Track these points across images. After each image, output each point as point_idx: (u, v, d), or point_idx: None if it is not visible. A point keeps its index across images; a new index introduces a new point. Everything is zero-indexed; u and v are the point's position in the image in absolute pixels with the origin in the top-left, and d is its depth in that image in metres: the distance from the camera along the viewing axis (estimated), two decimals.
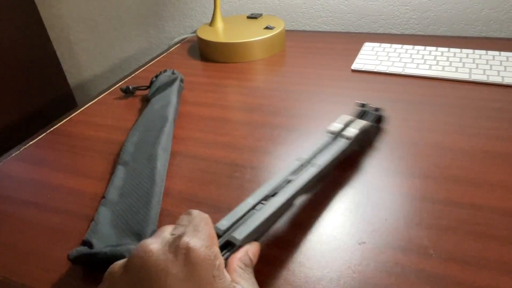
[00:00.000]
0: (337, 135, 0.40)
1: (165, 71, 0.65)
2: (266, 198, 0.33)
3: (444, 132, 0.49)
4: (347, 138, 0.39)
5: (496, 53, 0.67)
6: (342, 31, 0.93)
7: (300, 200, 0.40)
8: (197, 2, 1.02)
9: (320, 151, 0.38)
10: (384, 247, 0.34)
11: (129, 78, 0.73)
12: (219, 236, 0.28)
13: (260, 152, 0.48)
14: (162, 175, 0.43)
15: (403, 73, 0.64)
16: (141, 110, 0.61)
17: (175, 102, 0.57)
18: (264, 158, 0.47)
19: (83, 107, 0.64)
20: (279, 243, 0.36)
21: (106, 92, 0.68)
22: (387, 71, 0.65)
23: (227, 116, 0.57)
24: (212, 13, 1.00)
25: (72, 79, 1.31)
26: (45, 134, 0.57)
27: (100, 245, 0.34)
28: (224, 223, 0.29)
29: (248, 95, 0.63)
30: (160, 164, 0.44)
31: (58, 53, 1.24)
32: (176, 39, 0.93)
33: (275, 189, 0.33)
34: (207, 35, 0.79)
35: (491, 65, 0.64)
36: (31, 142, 0.55)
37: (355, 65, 0.68)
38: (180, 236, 0.24)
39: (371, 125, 0.43)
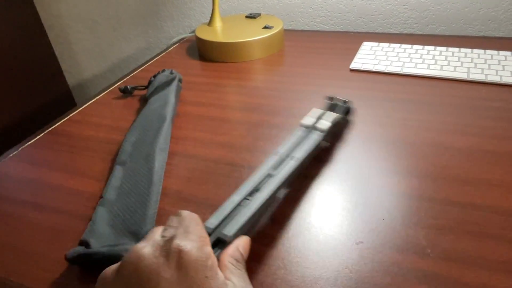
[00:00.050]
0: (311, 128, 0.41)
1: (163, 71, 0.65)
2: (250, 193, 0.33)
3: (442, 132, 0.49)
4: (321, 130, 0.40)
5: (495, 52, 0.67)
6: (341, 30, 0.92)
7: (297, 200, 0.40)
8: (196, 2, 1.02)
9: (297, 144, 0.39)
10: (381, 246, 0.34)
11: (127, 78, 0.73)
12: (209, 235, 0.29)
13: (259, 152, 0.48)
14: (159, 175, 0.43)
15: (401, 72, 0.64)
16: (139, 110, 0.61)
17: (173, 102, 0.57)
18: (263, 158, 0.47)
19: (81, 107, 0.64)
20: (277, 243, 0.36)
21: (105, 92, 0.68)
22: (386, 71, 0.65)
23: (226, 115, 0.57)
24: (210, 12, 1.00)
25: (71, 79, 1.31)
26: (43, 134, 0.57)
27: (97, 245, 0.34)
28: (212, 221, 0.30)
29: (246, 94, 0.63)
30: (158, 164, 0.44)
31: (57, 53, 1.24)
32: (175, 39, 0.93)
33: (258, 184, 0.34)
34: (205, 34, 0.79)
35: (489, 64, 0.64)
36: (29, 142, 0.55)
37: (354, 65, 0.68)
38: (171, 239, 0.24)
39: (341, 117, 0.44)
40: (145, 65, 0.78)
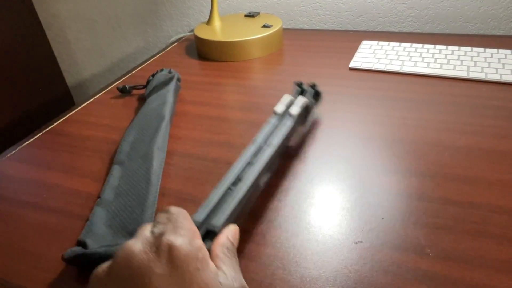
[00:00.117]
0: (283, 114, 0.43)
1: (161, 70, 0.65)
2: (234, 183, 0.34)
3: (441, 130, 0.49)
4: (292, 116, 0.43)
5: (494, 50, 0.67)
6: (340, 29, 0.92)
7: (297, 199, 0.40)
8: (195, 1, 1.02)
9: (272, 131, 0.41)
10: (380, 246, 0.34)
11: (126, 77, 0.73)
12: (198, 228, 0.29)
13: None
14: (158, 174, 0.43)
15: (401, 71, 0.64)
16: (137, 109, 0.61)
17: (172, 101, 0.56)
18: None
19: (79, 106, 0.63)
20: (275, 243, 0.35)
21: (103, 92, 0.68)
22: (385, 69, 0.65)
23: (224, 115, 0.57)
24: (209, 11, 0.99)
25: (70, 79, 1.31)
26: (41, 133, 0.56)
27: (94, 245, 0.34)
28: (200, 214, 0.30)
29: (245, 93, 0.63)
30: (156, 163, 0.44)
31: (56, 53, 1.24)
32: (174, 38, 0.93)
33: (240, 173, 0.35)
34: (204, 33, 0.78)
35: (489, 63, 0.63)
36: (27, 142, 0.55)
37: (353, 64, 0.68)
38: (160, 235, 0.25)
39: (310, 101, 0.47)
40: (144, 64, 0.78)
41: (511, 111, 0.52)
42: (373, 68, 0.66)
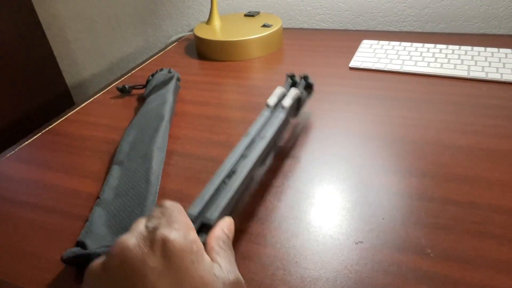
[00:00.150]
0: (275, 107, 0.44)
1: (161, 70, 0.65)
2: (227, 176, 0.34)
3: (442, 130, 0.49)
4: (284, 108, 0.43)
5: (495, 50, 0.67)
6: (340, 28, 0.92)
7: (297, 199, 0.40)
8: (194, 0, 1.02)
9: (265, 124, 0.41)
10: (381, 246, 0.34)
11: (126, 77, 0.73)
12: (193, 221, 0.29)
13: None
14: (157, 174, 0.43)
15: (401, 70, 0.64)
16: (137, 109, 0.60)
17: (171, 101, 0.56)
18: None
19: (79, 106, 0.63)
20: (275, 243, 0.35)
21: (103, 91, 0.67)
22: (385, 69, 0.65)
23: (224, 114, 0.57)
24: (209, 11, 0.99)
25: (69, 79, 1.31)
26: (40, 133, 0.56)
27: (94, 246, 0.34)
28: (194, 208, 0.30)
29: (245, 93, 0.63)
30: (156, 163, 0.44)
31: (56, 52, 1.24)
32: (173, 38, 0.93)
33: (233, 166, 0.35)
34: (204, 33, 0.78)
35: (490, 62, 0.63)
36: (26, 142, 0.55)
37: (353, 63, 0.68)
38: (155, 229, 0.25)
39: (301, 92, 0.47)
40: (143, 64, 0.78)
41: None
42: (373, 68, 0.66)
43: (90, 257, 0.33)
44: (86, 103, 0.64)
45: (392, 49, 0.71)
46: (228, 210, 0.32)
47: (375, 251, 0.34)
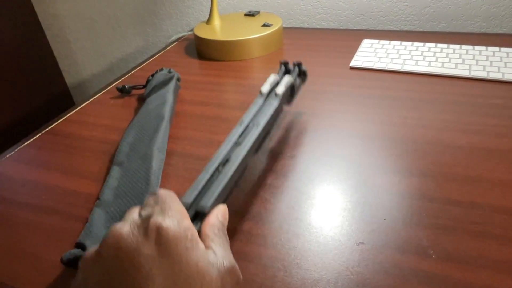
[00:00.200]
0: (268, 94, 0.43)
1: (161, 69, 0.64)
2: (221, 164, 0.34)
3: (443, 130, 0.49)
4: (277, 95, 0.43)
5: (496, 49, 0.66)
6: (341, 28, 0.92)
7: (297, 200, 0.40)
8: (194, 0, 1.02)
9: (258, 111, 0.41)
10: (382, 247, 0.34)
11: (125, 77, 0.73)
12: (187, 209, 0.29)
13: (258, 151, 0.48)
14: (157, 175, 0.43)
15: (402, 70, 0.64)
16: (137, 110, 0.60)
17: (171, 101, 0.56)
18: (262, 158, 0.47)
19: (79, 107, 0.63)
20: (276, 244, 0.35)
21: (102, 92, 0.67)
22: (386, 68, 0.65)
23: (224, 115, 0.57)
24: (209, 11, 0.99)
25: (69, 79, 1.31)
26: (40, 134, 0.56)
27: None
28: (188, 196, 0.30)
29: (245, 93, 0.62)
30: (155, 164, 0.44)
31: (55, 53, 1.23)
32: (173, 38, 0.93)
33: (227, 154, 0.35)
34: (204, 33, 0.78)
35: (491, 61, 0.63)
36: (26, 143, 0.54)
37: (354, 63, 0.68)
38: (148, 217, 0.24)
39: (295, 79, 0.47)
40: (143, 64, 0.78)
41: None
42: (374, 67, 0.65)
43: None
44: (86, 103, 0.64)
45: (393, 48, 0.71)
46: (222, 198, 0.32)
47: (376, 252, 0.33)
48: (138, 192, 0.40)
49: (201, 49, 0.79)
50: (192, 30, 0.88)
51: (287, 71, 0.48)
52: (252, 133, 0.38)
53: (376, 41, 0.75)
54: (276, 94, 0.43)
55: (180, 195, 0.42)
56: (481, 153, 0.44)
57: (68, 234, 0.38)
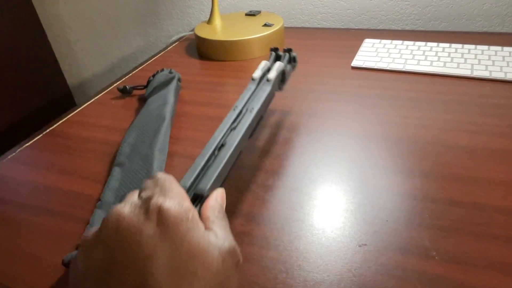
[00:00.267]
0: (261, 80, 0.44)
1: (162, 70, 0.64)
2: (217, 149, 0.35)
3: (445, 130, 0.48)
4: (269, 81, 0.43)
5: (499, 48, 0.66)
6: (342, 27, 0.91)
7: (299, 201, 0.39)
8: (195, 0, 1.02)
9: (251, 97, 0.42)
10: (385, 249, 0.34)
11: (126, 77, 0.72)
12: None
13: (258, 152, 0.48)
14: None
15: (404, 69, 0.64)
16: (138, 110, 0.60)
17: (172, 102, 0.56)
18: (263, 159, 0.46)
19: (79, 107, 0.63)
20: (278, 246, 0.35)
21: (103, 92, 0.67)
22: (388, 68, 0.64)
23: (225, 115, 0.56)
24: (210, 10, 0.99)
25: (70, 79, 1.31)
26: (41, 135, 0.56)
27: None
28: (186, 180, 0.31)
29: None
30: (157, 165, 0.44)
31: (56, 53, 1.23)
32: (174, 38, 0.92)
33: (223, 139, 0.36)
34: (205, 33, 0.78)
35: (493, 61, 0.63)
36: (27, 144, 0.54)
37: (355, 62, 0.67)
38: (149, 198, 0.24)
39: (285, 65, 0.48)
40: (144, 65, 0.78)
41: None
42: (375, 67, 0.65)
43: None
44: (86, 104, 0.64)
45: (395, 48, 0.71)
46: (220, 182, 0.32)
47: (379, 253, 0.33)
48: None
49: (202, 49, 0.79)
50: (193, 30, 0.88)
51: (278, 58, 0.49)
52: (247, 118, 0.38)
53: (377, 40, 0.74)
54: (268, 80, 0.44)
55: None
56: (484, 153, 0.44)
57: (69, 236, 0.38)
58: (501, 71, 0.60)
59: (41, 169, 0.48)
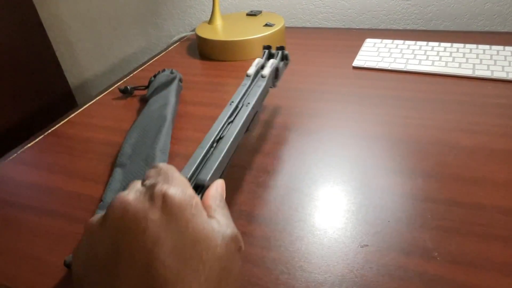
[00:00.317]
0: (255, 76, 0.46)
1: (163, 70, 0.64)
2: (216, 141, 0.36)
3: (447, 130, 0.48)
4: (264, 77, 0.45)
5: (500, 47, 0.66)
6: (343, 27, 0.91)
7: (301, 202, 0.39)
8: (196, 0, 1.02)
9: (246, 92, 0.43)
10: (386, 250, 0.34)
11: (128, 78, 0.72)
12: None
13: (260, 152, 0.48)
14: None
15: (405, 69, 0.63)
16: (140, 111, 0.60)
17: (174, 102, 0.56)
18: (264, 159, 0.46)
19: (81, 108, 0.63)
20: (279, 247, 0.35)
21: (105, 93, 0.67)
22: (389, 68, 0.64)
23: None
24: (211, 10, 0.99)
25: (72, 79, 1.31)
26: (43, 136, 0.56)
27: None
28: (186, 170, 0.31)
29: None
30: None
31: (58, 53, 1.24)
32: (175, 38, 0.92)
33: (220, 132, 0.37)
34: (206, 33, 0.78)
35: (495, 60, 0.62)
36: (29, 145, 0.54)
37: (356, 62, 0.67)
38: (153, 185, 0.25)
39: (278, 62, 0.49)
40: (145, 65, 0.78)
41: None
42: (377, 67, 0.65)
43: None
44: (88, 104, 0.64)
45: (396, 47, 0.71)
46: (219, 173, 0.33)
47: (380, 254, 0.33)
48: None
49: (203, 49, 0.79)
50: (194, 30, 0.88)
51: (271, 56, 0.51)
52: (243, 112, 0.39)
53: (378, 40, 0.74)
54: (263, 76, 0.45)
55: None
56: (486, 153, 0.44)
57: (71, 237, 0.38)
58: (503, 70, 0.59)
59: (43, 170, 0.49)
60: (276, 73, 0.49)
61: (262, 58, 0.49)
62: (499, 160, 0.43)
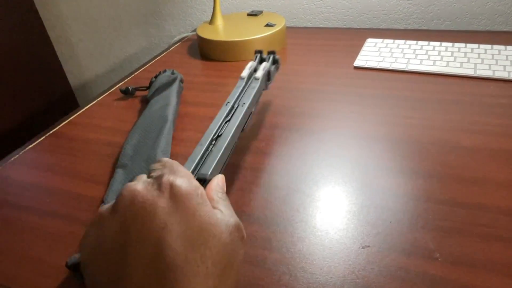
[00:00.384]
0: (249, 78, 0.48)
1: (164, 71, 0.64)
2: (214, 139, 0.37)
3: (448, 130, 0.48)
4: (257, 79, 0.47)
5: (502, 47, 0.66)
6: (344, 27, 0.91)
7: (302, 202, 0.39)
8: (197, 0, 1.01)
9: (241, 93, 0.45)
10: (388, 250, 0.34)
11: (129, 78, 0.72)
12: None
13: (262, 153, 0.48)
14: None
15: (406, 69, 0.63)
16: (141, 111, 0.60)
17: (175, 103, 0.56)
18: (266, 159, 0.46)
19: (82, 109, 0.63)
20: (281, 248, 0.35)
21: (106, 93, 0.67)
22: (390, 68, 0.64)
23: None
24: (212, 11, 0.99)
25: (73, 79, 1.31)
26: (44, 137, 0.56)
27: None
28: (187, 167, 0.33)
29: None
30: None
31: (59, 54, 1.24)
32: (176, 38, 0.92)
33: (218, 131, 0.38)
34: (207, 33, 0.78)
35: (496, 60, 0.62)
36: (30, 146, 0.54)
37: (358, 62, 0.67)
38: (160, 176, 0.26)
39: (270, 65, 0.52)
40: (146, 65, 0.78)
41: None
42: (378, 67, 0.65)
43: None
44: (89, 105, 0.64)
45: (397, 47, 0.70)
46: (219, 169, 0.35)
47: (382, 255, 0.33)
48: None
49: (204, 50, 0.79)
50: (195, 30, 0.88)
51: (262, 60, 0.53)
52: (239, 111, 0.41)
53: (380, 40, 0.74)
54: (256, 78, 0.47)
55: None
56: (488, 153, 0.44)
57: (72, 238, 0.38)
58: (504, 70, 0.59)
59: (44, 171, 0.49)
60: (268, 76, 0.51)
61: (254, 61, 0.51)
62: (501, 160, 0.42)
